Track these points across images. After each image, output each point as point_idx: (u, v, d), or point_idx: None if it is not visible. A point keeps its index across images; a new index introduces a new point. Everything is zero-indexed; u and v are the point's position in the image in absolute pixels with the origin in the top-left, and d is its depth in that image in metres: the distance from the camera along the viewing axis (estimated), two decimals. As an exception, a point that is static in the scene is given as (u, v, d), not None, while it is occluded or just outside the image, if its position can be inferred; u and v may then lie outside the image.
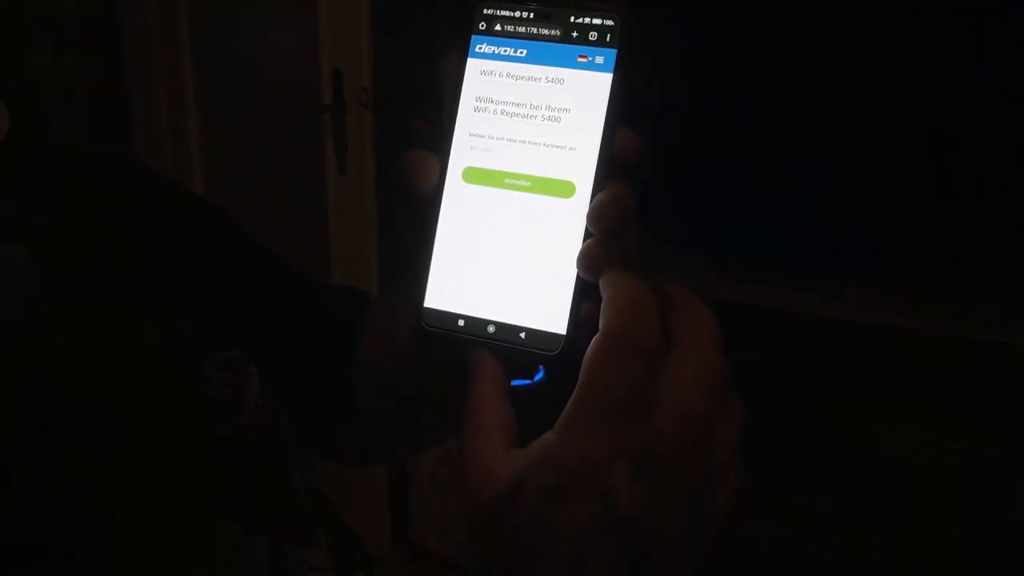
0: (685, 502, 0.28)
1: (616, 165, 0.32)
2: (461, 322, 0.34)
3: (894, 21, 1.56)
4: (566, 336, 0.33)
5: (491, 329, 0.33)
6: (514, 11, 0.31)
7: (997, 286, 1.56)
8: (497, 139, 0.32)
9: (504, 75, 0.31)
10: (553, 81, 0.31)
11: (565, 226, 0.31)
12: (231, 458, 0.39)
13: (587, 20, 0.30)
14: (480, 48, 0.32)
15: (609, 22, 0.30)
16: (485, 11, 0.32)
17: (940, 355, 1.61)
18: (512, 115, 0.31)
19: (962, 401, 1.73)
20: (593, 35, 0.30)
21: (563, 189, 0.31)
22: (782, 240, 1.81)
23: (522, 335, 0.33)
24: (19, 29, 2.17)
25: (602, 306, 0.30)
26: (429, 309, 0.34)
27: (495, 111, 0.32)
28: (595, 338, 0.29)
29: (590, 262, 0.31)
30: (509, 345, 0.34)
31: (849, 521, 1.51)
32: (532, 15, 0.30)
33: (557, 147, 0.31)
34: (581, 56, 0.30)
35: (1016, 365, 1.55)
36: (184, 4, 2.19)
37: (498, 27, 0.31)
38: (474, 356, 0.33)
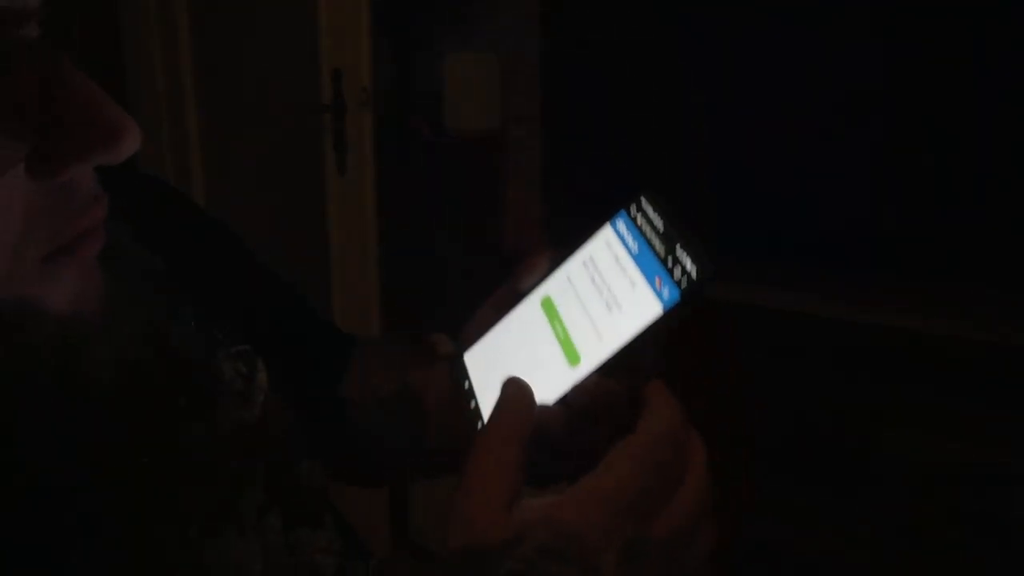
0: None
1: (615, 367, 0.35)
2: (466, 383, 0.42)
3: (893, 21, 1.56)
4: None
5: (472, 404, 0.41)
6: (656, 216, 0.36)
7: (997, 286, 1.57)
8: (574, 291, 0.38)
9: (613, 254, 0.38)
10: (632, 281, 0.36)
11: (556, 381, 0.36)
12: (242, 446, 0.39)
13: (683, 257, 0.33)
14: (618, 224, 0.39)
15: (692, 270, 0.33)
16: (642, 200, 0.38)
17: (940, 355, 1.62)
18: (593, 281, 0.38)
19: (962, 401, 1.73)
20: (677, 271, 0.33)
21: (573, 356, 0.36)
22: (782, 240, 1.81)
23: (479, 424, 0.39)
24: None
25: (645, 412, 0.33)
26: (460, 360, 0.44)
27: (588, 272, 0.39)
28: (632, 437, 0.32)
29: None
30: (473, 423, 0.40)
31: (849, 521, 1.51)
32: (662, 227, 0.35)
33: (594, 325, 0.36)
34: (658, 278, 0.34)
35: (1016, 365, 1.55)
36: (184, 4, 2.19)
37: (639, 218, 0.38)
38: (513, 383, 0.36)
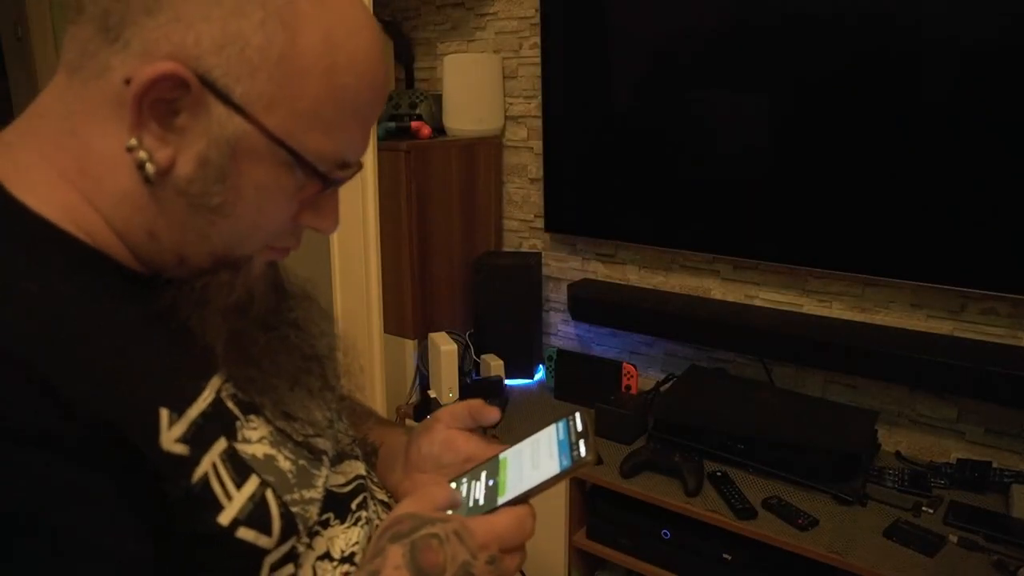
0: None
1: (530, 496, 0.60)
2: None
3: (889, 24, 1.56)
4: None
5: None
6: (580, 424, 0.63)
7: (1000, 288, 1.57)
8: (519, 456, 0.64)
9: (550, 439, 0.64)
10: (551, 454, 0.62)
11: (491, 502, 0.61)
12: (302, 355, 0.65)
13: (580, 445, 0.61)
14: (559, 425, 0.64)
15: (582, 452, 0.60)
16: (575, 415, 0.64)
17: (939, 353, 1.62)
18: (531, 452, 0.63)
19: (961, 399, 1.73)
20: (575, 452, 0.60)
21: (503, 490, 0.61)
22: (782, 240, 1.82)
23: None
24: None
25: (522, 511, 0.59)
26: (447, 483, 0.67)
27: (532, 447, 0.64)
28: (519, 512, 0.59)
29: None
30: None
31: (849, 520, 1.52)
32: (580, 429, 0.62)
33: (522, 475, 0.61)
34: (564, 454, 0.60)
35: (1017, 364, 1.56)
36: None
37: (570, 424, 0.64)
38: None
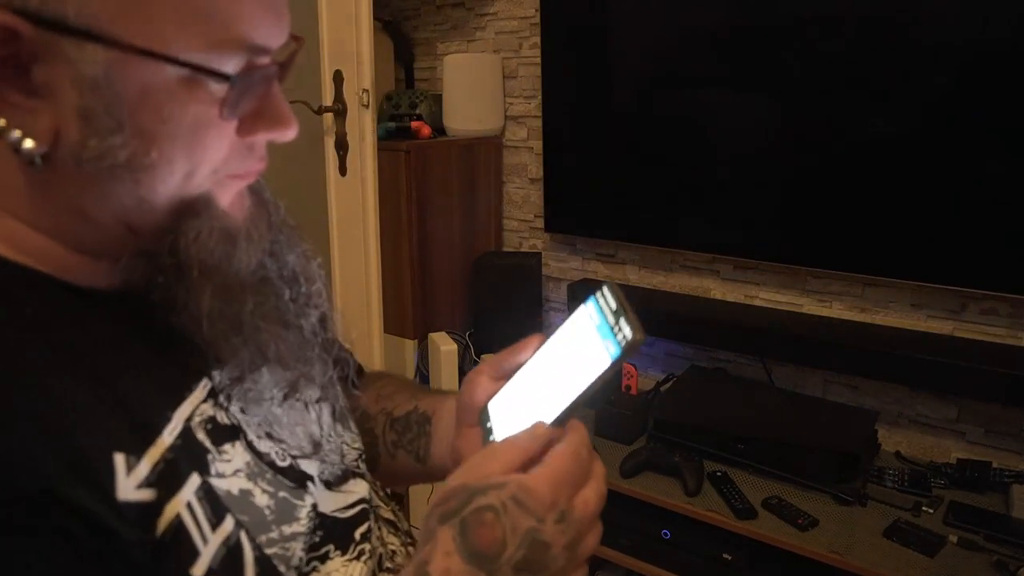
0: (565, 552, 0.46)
1: (584, 401, 0.50)
2: (488, 424, 0.57)
3: (889, 25, 1.56)
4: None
5: (490, 437, 0.56)
6: (612, 299, 0.51)
7: (1000, 288, 1.57)
8: (557, 356, 0.55)
9: (584, 324, 0.53)
10: (592, 343, 0.51)
11: (547, 413, 0.51)
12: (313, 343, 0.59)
13: (624, 326, 0.49)
14: (589, 305, 0.53)
15: (629, 335, 0.48)
16: (604, 289, 0.52)
17: (941, 353, 1.62)
18: (569, 346, 0.53)
19: (961, 399, 1.73)
20: (620, 335, 0.49)
21: (556, 398, 0.51)
22: (782, 240, 1.82)
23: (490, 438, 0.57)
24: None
25: (569, 431, 0.49)
26: (486, 408, 0.59)
27: (567, 340, 0.54)
28: (562, 444, 0.48)
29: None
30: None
31: (849, 520, 1.51)
32: (615, 306, 0.50)
33: (567, 376, 0.52)
34: (609, 341, 0.49)
35: (1017, 364, 1.56)
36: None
37: (601, 301, 0.52)
38: (539, 426, 0.51)
